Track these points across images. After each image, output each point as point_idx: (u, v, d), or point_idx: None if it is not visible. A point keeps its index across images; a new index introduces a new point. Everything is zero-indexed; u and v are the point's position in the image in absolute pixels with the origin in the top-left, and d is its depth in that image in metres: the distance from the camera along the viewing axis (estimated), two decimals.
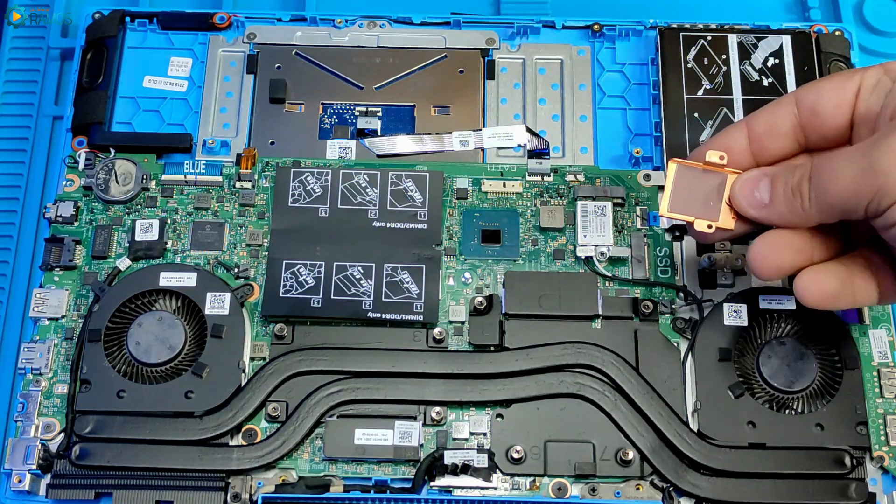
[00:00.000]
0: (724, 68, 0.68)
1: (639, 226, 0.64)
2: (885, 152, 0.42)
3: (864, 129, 0.47)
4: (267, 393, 0.59)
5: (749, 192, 0.49)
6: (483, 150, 0.67)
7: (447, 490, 0.57)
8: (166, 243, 0.63)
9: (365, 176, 0.64)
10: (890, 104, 0.45)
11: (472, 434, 0.59)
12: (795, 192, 0.46)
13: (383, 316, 0.60)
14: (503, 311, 0.61)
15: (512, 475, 0.58)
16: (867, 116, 0.46)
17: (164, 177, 0.65)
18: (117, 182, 0.64)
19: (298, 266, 0.61)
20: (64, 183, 0.65)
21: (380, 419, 0.58)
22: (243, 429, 0.59)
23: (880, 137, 0.43)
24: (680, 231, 0.63)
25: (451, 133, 0.67)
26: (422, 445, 0.58)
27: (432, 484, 0.57)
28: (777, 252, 0.48)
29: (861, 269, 0.49)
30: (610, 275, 0.63)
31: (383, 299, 0.61)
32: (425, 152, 0.67)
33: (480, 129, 0.67)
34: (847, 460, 0.57)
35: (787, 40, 0.69)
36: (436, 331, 0.61)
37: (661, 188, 0.59)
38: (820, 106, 0.47)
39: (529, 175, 0.66)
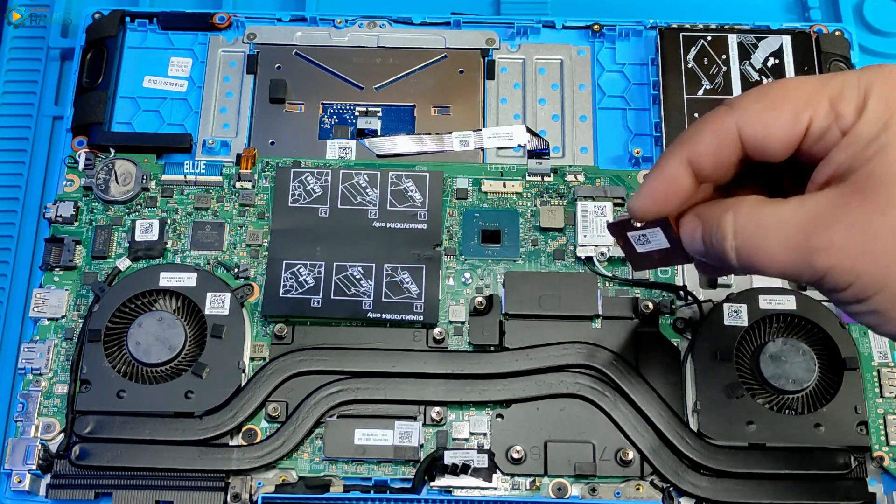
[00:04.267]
0: (725, 68, 0.68)
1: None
2: (826, 250, 0.38)
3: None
4: (267, 393, 0.59)
5: (689, 236, 0.44)
6: (483, 150, 0.67)
7: (447, 490, 0.57)
8: (166, 243, 0.63)
9: (365, 176, 0.64)
10: (827, 165, 0.40)
11: (472, 434, 0.59)
12: (721, 253, 0.42)
13: (383, 316, 0.60)
14: (503, 311, 0.61)
15: (512, 475, 0.58)
16: (806, 161, 0.44)
17: (164, 177, 0.65)
18: (117, 182, 0.64)
19: (298, 266, 0.61)
20: (64, 183, 0.65)
21: (380, 419, 0.58)
22: (243, 429, 0.59)
23: (817, 222, 0.39)
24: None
25: (451, 133, 0.67)
26: (422, 445, 0.58)
27: (432, 484, 0.57)
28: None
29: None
30: (610, 275, 0.62)
31: (383, 299, 0.61)
32: (425, 152, 0.67)
33: (480, 129, 0.67)
34: (847, 460, 0.57)
35: (787, 40, 0.69)
36: (436, 331, 0.61)
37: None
38: (767, 145, 0.43)
39: (529, 175, 0.66)
